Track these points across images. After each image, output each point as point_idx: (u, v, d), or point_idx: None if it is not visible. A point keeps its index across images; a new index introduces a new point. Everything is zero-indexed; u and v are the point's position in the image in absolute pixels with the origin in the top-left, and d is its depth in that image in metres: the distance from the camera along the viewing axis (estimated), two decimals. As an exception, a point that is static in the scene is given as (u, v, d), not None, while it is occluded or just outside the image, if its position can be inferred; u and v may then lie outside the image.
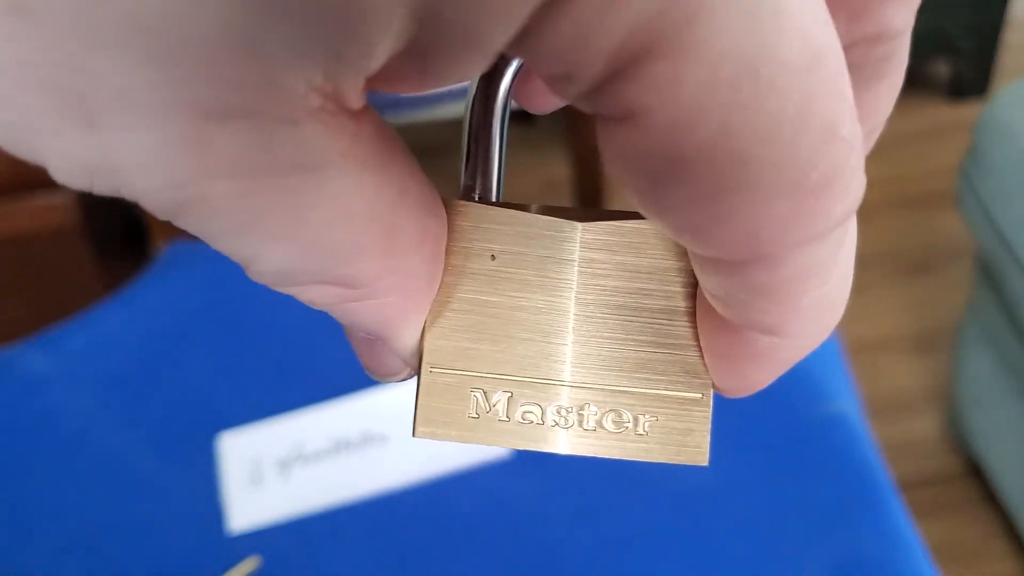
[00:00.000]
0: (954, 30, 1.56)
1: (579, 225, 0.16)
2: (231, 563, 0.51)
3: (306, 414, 0.57)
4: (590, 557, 0.50)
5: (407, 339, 0.16)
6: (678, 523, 0.51)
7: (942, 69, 1.68)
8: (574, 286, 0.16)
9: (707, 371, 0.16)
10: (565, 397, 0.16)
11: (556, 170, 1.52)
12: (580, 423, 0.16)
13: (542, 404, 0.16)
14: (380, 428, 0.56)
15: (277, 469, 0.55)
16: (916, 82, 1.70)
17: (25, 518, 0.54)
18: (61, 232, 0.95)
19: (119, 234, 1.10)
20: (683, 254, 0.16)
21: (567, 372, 0.16)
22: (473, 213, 0.16)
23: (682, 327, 0.16)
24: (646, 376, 0.16)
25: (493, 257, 0.16)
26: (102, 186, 0.12)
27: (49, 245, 0.97)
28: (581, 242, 0.16)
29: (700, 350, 0.16)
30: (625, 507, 0.52)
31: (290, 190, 0.12)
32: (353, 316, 0.15)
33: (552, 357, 0.16)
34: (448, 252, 0.16)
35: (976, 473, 1.14)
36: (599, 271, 0.16)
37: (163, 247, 0.70)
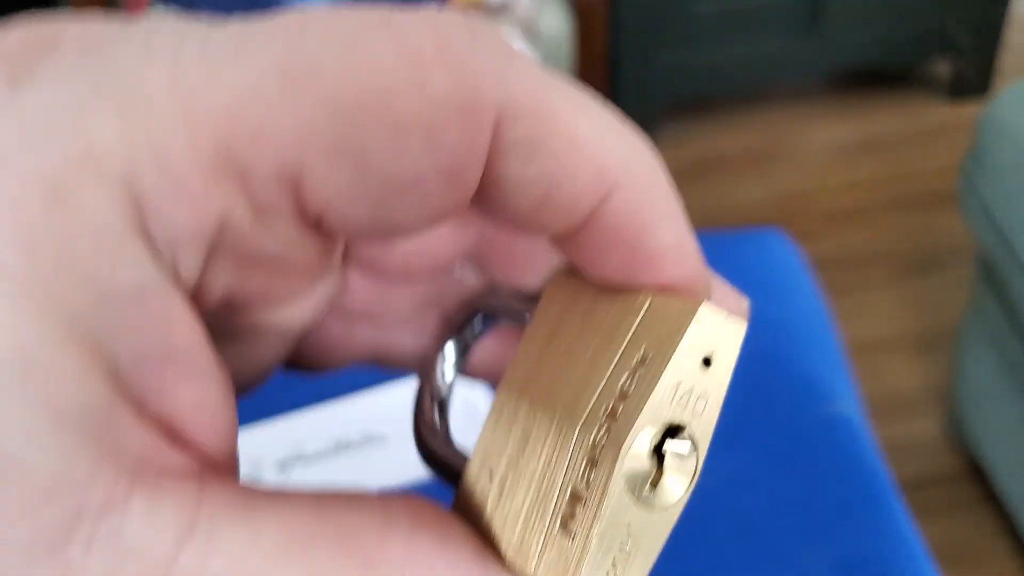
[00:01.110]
0: (955, 29, 1.56)
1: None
2: (231, 563, 0.51)
3: (306, 414, 0.57)
4: (590, 557, 0.50)
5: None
6: (678, 522, 0.51)
7: (942, 69, 1.68)
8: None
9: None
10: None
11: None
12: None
13: None
14: (380, 428, 0.56)
15: (277, 469, 0.55)
16: (916, 82, 1.70)
17: (25, 518, 0.54)
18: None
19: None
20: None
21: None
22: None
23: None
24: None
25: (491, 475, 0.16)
26: None
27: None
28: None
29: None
30: (625, 507, 0.52)
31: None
32: None
33: None
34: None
35: (977, 473, 1.14)
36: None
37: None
